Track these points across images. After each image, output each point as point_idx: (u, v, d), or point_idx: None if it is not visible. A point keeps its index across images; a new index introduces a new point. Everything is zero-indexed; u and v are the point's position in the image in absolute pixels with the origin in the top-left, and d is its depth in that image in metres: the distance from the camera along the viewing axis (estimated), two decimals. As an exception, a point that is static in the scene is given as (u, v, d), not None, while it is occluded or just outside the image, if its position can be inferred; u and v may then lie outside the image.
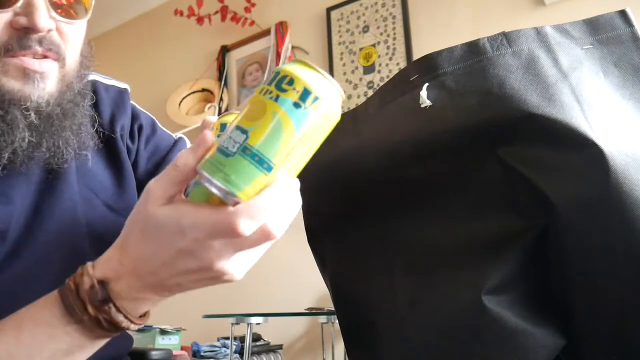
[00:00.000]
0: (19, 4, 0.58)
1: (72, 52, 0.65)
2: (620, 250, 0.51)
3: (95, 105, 0.79)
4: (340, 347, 2.22)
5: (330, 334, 2.27)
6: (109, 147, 0.79)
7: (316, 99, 0.43)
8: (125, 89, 0.85)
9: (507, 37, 0.61)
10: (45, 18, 0.59)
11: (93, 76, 0.81)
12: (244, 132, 0.42)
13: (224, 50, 2.21)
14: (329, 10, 1.99)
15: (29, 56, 0.60)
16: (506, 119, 0.57)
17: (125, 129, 0.81)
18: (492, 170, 0.58)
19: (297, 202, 0.46)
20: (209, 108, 2.08)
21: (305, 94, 0.43)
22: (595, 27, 0.62)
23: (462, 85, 0.60)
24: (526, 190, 0.56)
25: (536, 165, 0.56)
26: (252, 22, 2.11)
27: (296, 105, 0.43)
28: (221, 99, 2.11)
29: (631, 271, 0.50)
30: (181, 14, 2.11)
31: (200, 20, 2.13)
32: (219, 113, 2.07)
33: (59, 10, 0.62)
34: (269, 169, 0.42)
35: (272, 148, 0.42)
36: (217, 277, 0.45)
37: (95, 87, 0.80)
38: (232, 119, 0.51)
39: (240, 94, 2.16)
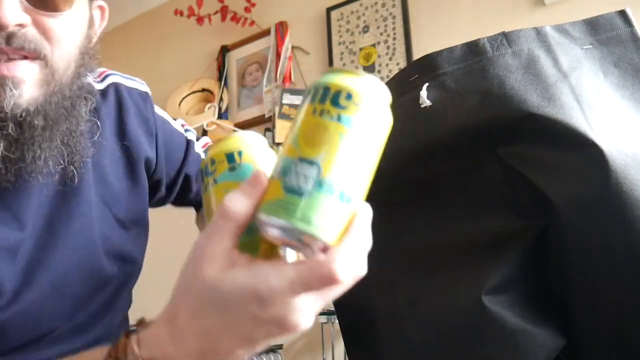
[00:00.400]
0: None
1: (61, 49, 0.56)
2: (620, 250, 0.51)
3: (120, 111, 0.72)
4: (340, 347, 2.23)
5: (330, 334, 2.27)
6: (128, 156, 0.72)
7: (377, 109, 0.39)
8: (147, 93, 0.78)
9: (507, 37, 0.61)
10: (11, 11, 0.50)
11: (114, 78, 0.74)
12: (313, 163, 0.36)
13: (224, 50, 2.21)
14: (329, 10, 1.99)
15: (1, 57, 0.51)
16: (506, 119, 0.57)
17: (146, 136, 0.75)
18: (492, 170, 0.58)
19: (370, 231, 0.40)
20: (209, 108, 2.08)
21: (367, 109, 0.38)
22: (595, 27, 0.62)
23: (462, 85, 0.60)
24: (526, 190, 0.56)
25: (536, 165, 0.56)
26: (252, 22, 2.11)
27: (360, 120, 0.38)
28: (221, 99, 2.11)
29: (631, 271, 0.50)
30: (181, 14, 2.11)
31: (200, 20, 2.13)
32: (219, 113, 2.07)
33: (35, 1, 0.52)
34: (349, 200, 0.37)
35: (349, 176, 0.37)
36: (291, 332, 0.38)
37: (118, 91, 0.73)
38: (240, 145, 0.46)
39: (240, 94, 2.16)
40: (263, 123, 2.02)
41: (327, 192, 0.36)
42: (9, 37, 0.51)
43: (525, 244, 0.56)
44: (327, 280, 0.35)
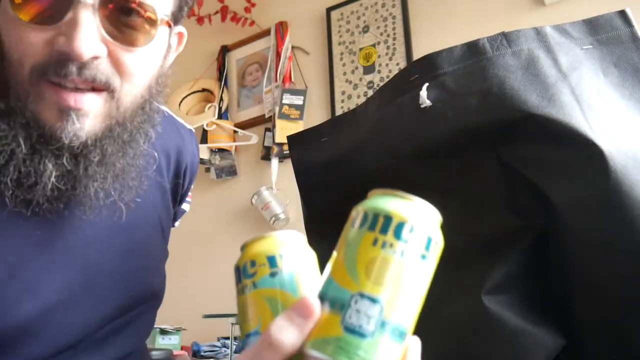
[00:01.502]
0: (64, 20, 0.47)
1: (131, 84, 0.53)
2: (620, 250, 0.51)
3: (180, 153, 0.72)
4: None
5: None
6: (173, 190, 0.73)
7: (437, 243, 0.38)
8: (192, 132, 0.78)
9: (506, 37, 0.61)
10: (88, 43, 0.47)
11: (177, 119, 0.74)
12: (375, 301, 0.34)
13: (224, 50, 2.21)
14: (329, 10, 1.99)
15: (69, 86, 0.49)
16: (506, 119, 0.57)
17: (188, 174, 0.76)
18: (492, 170, 0.58)
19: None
20: (209, 108, 2.08)
21: (429, 241, 0.37)
22: (595, 27, 0.62)
23: (462, 85, 0.60)
24: (526, 190, 0.56)
25: (536, 165, 0.56)
26: (252, 22, 2.11)
27: (423, 257, 0.36)
28: (221, 99, 2.10)
29: (631, 271, 0.50)
30: (181, 14, 2.11)
31: (200, 20, 2.13)
32: (219, 113, 2.07)
33: (115, 34, 0.49)
34: (405, 335, 0.36)
35: (409, 315, 0.36)
36: None
37: (179, 130, 0.74)
38: (281, 247, 0.43)
39: (240, 94, 2.16)
40: (263, 123, 2.02)
41: (388, 332, 0.34)
42: (81, 68, 0.48)
43: (525, 244, 0.56)
44: None
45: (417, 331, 0.36)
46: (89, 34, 0.47)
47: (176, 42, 0.64)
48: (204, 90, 2.18)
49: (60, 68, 0.48)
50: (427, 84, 0.62)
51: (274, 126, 1.93)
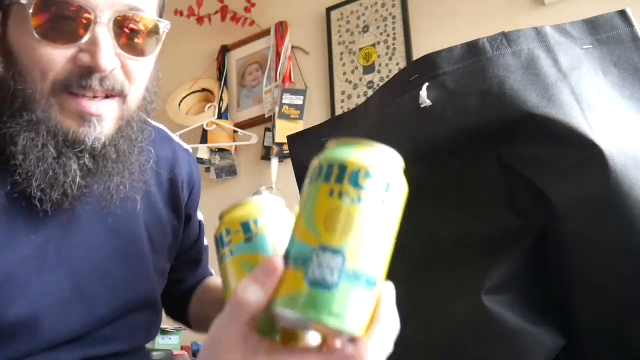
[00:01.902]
0: (84, 40, 0.55)
1: (136, 89, 0.61)
2: (619, 250, 0.51)
3: (176, 161, 0.78)
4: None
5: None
6: (173, 187, 0.78)
7: (397, 186, 0.37)
8: (189, 151, 0.85)
9: (507, 37, 0.61)
10: (109, 58, 0.55)
11: (172, 136, 0.81)
12: (337, 252, 0.34)
13: (224, 50, 2.21)
14: (329, 10, 1.99)
15: (89, 95, 0.57)
16: (506, 119, 0.57)
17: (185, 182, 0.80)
18: (492, 170, 0.58)
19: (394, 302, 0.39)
20: (209, 108, 2.08)
21: (388, 185, 0.36)
22: (595, 27, 0.62)
23: (462, 85, 0.60)
24: (526, 190, 0.56)
25: (536, 165, 0.56)
26: (252, 22, 2.11)
27: (383, 201, 0.35)
28: (221, 99, 2.10)
29: (631, 271, 0.50)
30: (181, 14, 2.11)
31: (200, 20, 2.13)
32: (219, 113, 2.07)
33: (127, 48, 0.58)
34: (374, 284, 0.35)
35: (374, 259, 0.35)
36: None
37: (174, 147, 0.80)
38: (256, 213, 0.44)
39: (240, 94, 2.16)
40: (263, 123, 2.01)
41: (355, 283, 0.34)
42: (102, 79, 0.56)
43: (525, 244, 0.56)
44: None
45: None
46: (109, 50, 0.55)
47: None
48: (204, 90, 2.18)
49: (84, 80, 0.55)
50: (427, 84, 0.62)
51: (274, 126, 1.93)
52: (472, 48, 0.62)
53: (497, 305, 0.54)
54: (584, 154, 0.52)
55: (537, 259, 0.56)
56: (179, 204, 0.78)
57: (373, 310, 0.35)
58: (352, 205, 0.34)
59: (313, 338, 0.40)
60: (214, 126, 2.02)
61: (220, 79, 2.14)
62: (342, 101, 1.88)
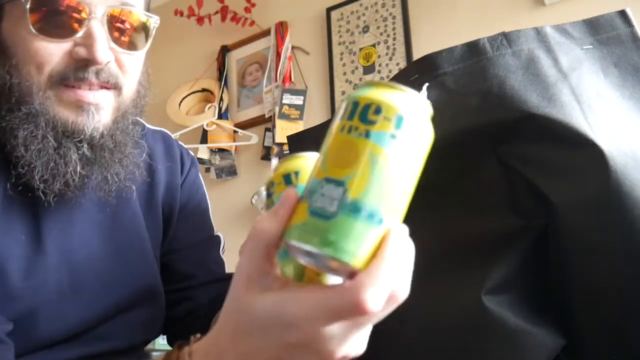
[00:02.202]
0: (79, 34, 0.57)
1: (130, 82, 0.64)
2: (620, 250, 0.51)
3: (171, 151, 0.80)
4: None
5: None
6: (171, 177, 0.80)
7: (412, 123, 0.36)
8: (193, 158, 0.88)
9: (507, 37, 0.61)
10: (104, 50, 0.58)
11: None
12: (340, 184, 0.34)
13: (224, 50, 2.20)
14: (329, 10, 1.99)
15: (85, 87, 0.59)
16: (506, 119, 0.57)
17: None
18: (492, 170, 0.58)
19: (411, 250, 0.37)
20: (209, 108, 2.08)
21: (399, 120, 0.35)
22: (595, 27, 0.62)
23: (462, 85, 0.60)
24: (526, 190, 0.56)
25: (536, 165, 0.56)
26: (252, 22, 2.11)
27: (392, 136, 0.35)
28: (221, 99, 2.10)
29: (631, 271, 0.50)
30: (181, 14, 2.11)
31: (200, 20, 2.13)
32: (219, 113, 2.07)
33: (119, 42, 0.61)
34: (380, 221, 0.34)
35: (379, 195, 0.34)
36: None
37: (170, 142, 0.82)
38: (299, 166, 0.45)
39: (240, 94, 2.16)
40: (263, 123, 2.01)
41: (355, 214, 0.33)
42: (98, 72, 0.59)
43: (525, 244, 0.56)
44: (353, 309, 0.33)
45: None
46: (104, 44, 0.58)
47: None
48: (204, 90, 2.18)
49: (81, 73, 0.58)
50: (427, 84, 0.62)
51: (274, 126, 1.93)
52: (472, 48, 0.62)
53: (497, 305, 0.54)
54: (584, 154, 0.52)
55: (537, 259, 0.55)
56: (173, 195, 0.80)
57: (376, 246, 0.34)
58: (359, 139, 0.35)
59: (333, 280, 0.40)
60: (214, 126, 2.02)
61: (220, 79, 2.14)
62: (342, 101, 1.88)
